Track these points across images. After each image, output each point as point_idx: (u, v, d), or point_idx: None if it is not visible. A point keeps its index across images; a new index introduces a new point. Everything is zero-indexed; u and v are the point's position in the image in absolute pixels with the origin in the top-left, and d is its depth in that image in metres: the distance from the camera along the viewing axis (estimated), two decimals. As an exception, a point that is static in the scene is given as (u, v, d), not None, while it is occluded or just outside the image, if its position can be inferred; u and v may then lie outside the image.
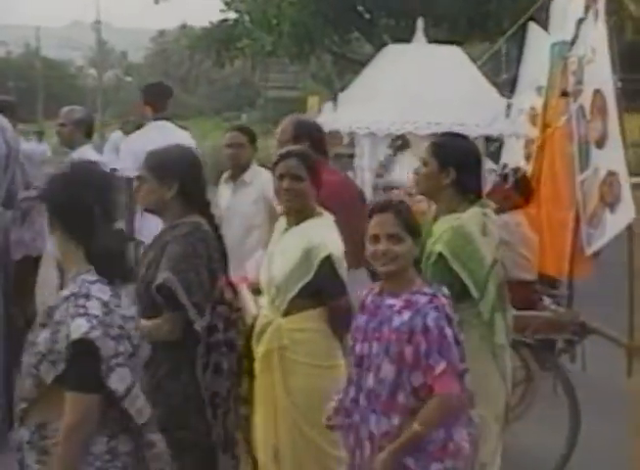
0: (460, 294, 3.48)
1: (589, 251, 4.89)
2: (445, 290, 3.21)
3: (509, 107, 4.93)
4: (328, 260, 3.69)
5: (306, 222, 3.83)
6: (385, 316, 3.13)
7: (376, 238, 3.15)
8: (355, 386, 3.18)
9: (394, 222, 3.12)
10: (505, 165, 6.18)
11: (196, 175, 3.56)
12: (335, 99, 5.26)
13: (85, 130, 6.48)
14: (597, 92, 4.83)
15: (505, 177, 5.22)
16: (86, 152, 6.39)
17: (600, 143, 4.80)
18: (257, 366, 3.70)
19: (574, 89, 5.11)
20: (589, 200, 4.88)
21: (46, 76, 46.28)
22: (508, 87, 6.23)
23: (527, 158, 5.99)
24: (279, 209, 4.74)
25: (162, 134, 6.26)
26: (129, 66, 62.54)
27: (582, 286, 5.19)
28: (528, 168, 5.89)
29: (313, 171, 3.87)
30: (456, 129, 4.74)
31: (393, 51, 5.14)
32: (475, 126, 4.78)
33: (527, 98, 6.17)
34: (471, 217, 3.56)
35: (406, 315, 3.06)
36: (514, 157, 6.29)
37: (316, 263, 3.69)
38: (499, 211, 5.31)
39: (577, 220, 5.01)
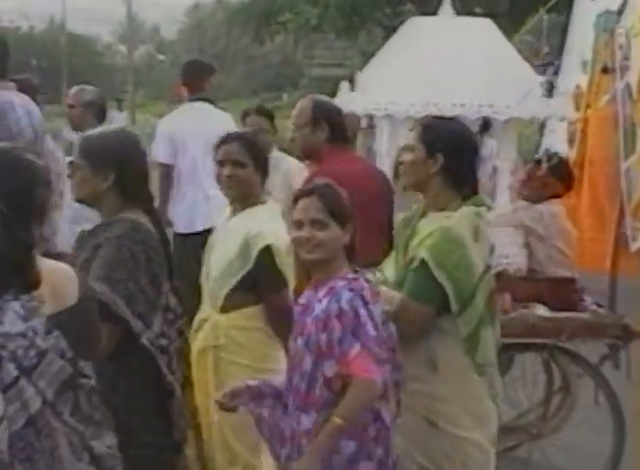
0: (446, 304, 3.38)
1: (634, 246, 4.82)
2: (370, 275, 3.20)
3: (547, 86, 4.84)
4: (267, 252, 3.71)
5: (247, 210, 3.85)
6: (310, 308, 3.16)
7: (299, 224, 3.16)
8: (287, 386, 3.22)
9: (319, 207, 3.13)
10: (547, 150, 6.10)
11: (136, 165, 3.41)
12: (352, 78, 5.24)
13: (96, 113, 6.48)
14: (645, 68, 4.76)
15: (539, 163, 5.14)
16: None
17: (647, 125, 4.74)
18: (193, 364, 3.71)
19: (621, 65, 5.01)
20: (634, 189, 4.81)
21: (71, 54, 46.77)
22: (551, 63, 6.10)
23: (571, 142, 5.91)
24: None
25: (199, 116, 6.32)
26: (161, 42, 63.10)
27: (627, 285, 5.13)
28: (572, 153, 5.81)
29: (258, 157, 3.86)
30: (484, 111, 4.67)
31: (416, 24, 5.08)
32: (505, 108, 4.68)
33: (573, 75, 6.09)
34: (462, 218, 3.40)
35: (324, 302, 3.09)
36: (557, 141, 6.22)
37: (254, 254, 3.71)
38: (534, 200, 5.26)
39: (622, 212, 4.93)
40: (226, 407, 3.32)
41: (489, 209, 3.56)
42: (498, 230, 4.90)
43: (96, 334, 2.66)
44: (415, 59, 4.88)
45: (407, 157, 3.54)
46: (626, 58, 4.95)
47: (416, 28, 5.04)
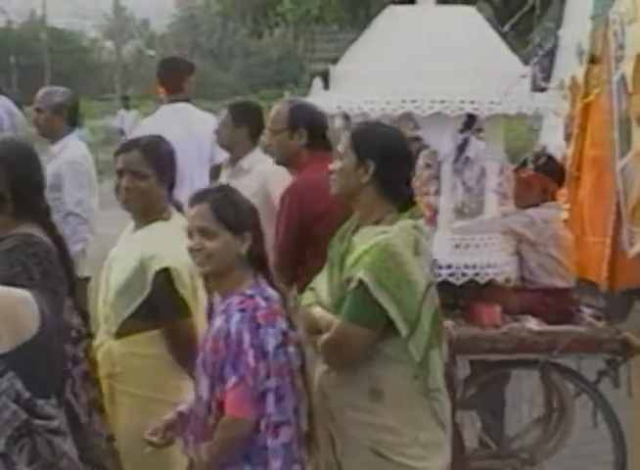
0: (388, 328, 3.36)
1: (632, 252, 4.80)
2: (271, 292, 3.20)
3: (533, 78, 4.83)
4: (164, 275, 3.68)
5: (148, 227, 3.82)
6: (210, 325, 3.22)
7: (190, 233, 3.21)
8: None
9: (207, 215, 3.16)
10: (545, 148, 6.10)
11: (28, 176, 3.42)
12: (325, 74, 5.25)
13: (68, 117, 6.45)
14: (640, 58, 4.75)
15: (524, 164, 5.13)
16: (70, 143, 6.37)
17: (643, 121, 4.72)
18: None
19: (617, 55, 5.00)
20: (631, 190, 4.78)
21: (53, 51, 46.86)
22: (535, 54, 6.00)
23: (568, 138, 5.91)
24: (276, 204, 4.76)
25: (178, 119, 6.29)
26: (152, 36, 63.23)
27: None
28: (569, 151, 5.79)
29: (162, 166, 3.82)
30: (466, 108, 4.65)
31: (393, 14, 5.06)
32: (488, 103, 4.66)
33: (569, 65, 6.06)
34: (400, 232, 3.37)
35: (220, 320, 3.14)
36: (553, 138, 6.22)
37: (150, 278, 3.69)
38: (525, 206, 5.24)
39: (619, 215, 4.90)
40: (160, 444, 3.34)
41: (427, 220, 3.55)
42: (486, 237, 4.92)
43: (57, 366, 2.52)
44: (391, 52, 4.85)
45: (337, 164, 3.54)
46: (621, 46, 4.94)
47: (392, 19, 5.02)
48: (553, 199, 5.34)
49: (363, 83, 4.86)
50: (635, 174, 4.72)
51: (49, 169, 5.92)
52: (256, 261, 3.22)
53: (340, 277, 3.46)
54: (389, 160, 3.43)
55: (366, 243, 3.40)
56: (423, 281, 3.38)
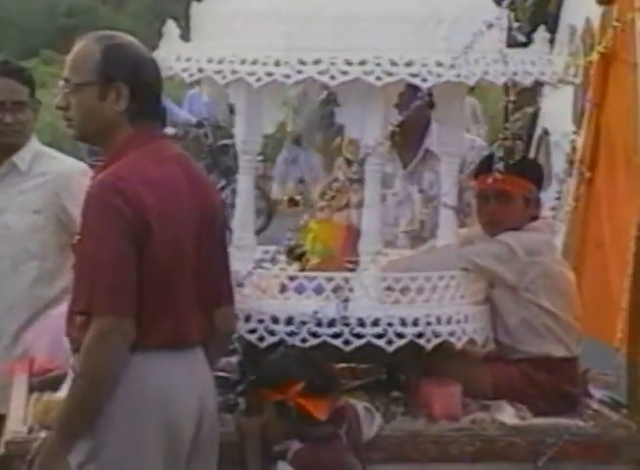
0: None
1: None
2: None
3: (507, 25, 4.83)
4: None
5: None
6: None
7: None
8: None
9: None
10: (546, 131, 6.16)
11: None
12: (185, 17, 5.24)
13: None
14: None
15: (489, 162, 5.10)
16: None
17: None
18: None
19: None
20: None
21: None
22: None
23: (579, 120, 6.01)
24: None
25: None
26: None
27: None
28: (580, 140, 5.88)
29: None
30: (397, 73, 4.64)
31: None
32: (435, 66, 4.61)
33: (581, 4, 6.10)
34: None
35: None
36: (556, 118, 6.24)
37: None
38: (494, 231, 5.25)
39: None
40: None
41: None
42: (435, 276, 4.97)
43: None
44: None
45: None
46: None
47: None
48: (536, 216, 5.36)
49: (239, 32, 4.92)
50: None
51: None
52: None
53: None
54: None
55: None
56: None
